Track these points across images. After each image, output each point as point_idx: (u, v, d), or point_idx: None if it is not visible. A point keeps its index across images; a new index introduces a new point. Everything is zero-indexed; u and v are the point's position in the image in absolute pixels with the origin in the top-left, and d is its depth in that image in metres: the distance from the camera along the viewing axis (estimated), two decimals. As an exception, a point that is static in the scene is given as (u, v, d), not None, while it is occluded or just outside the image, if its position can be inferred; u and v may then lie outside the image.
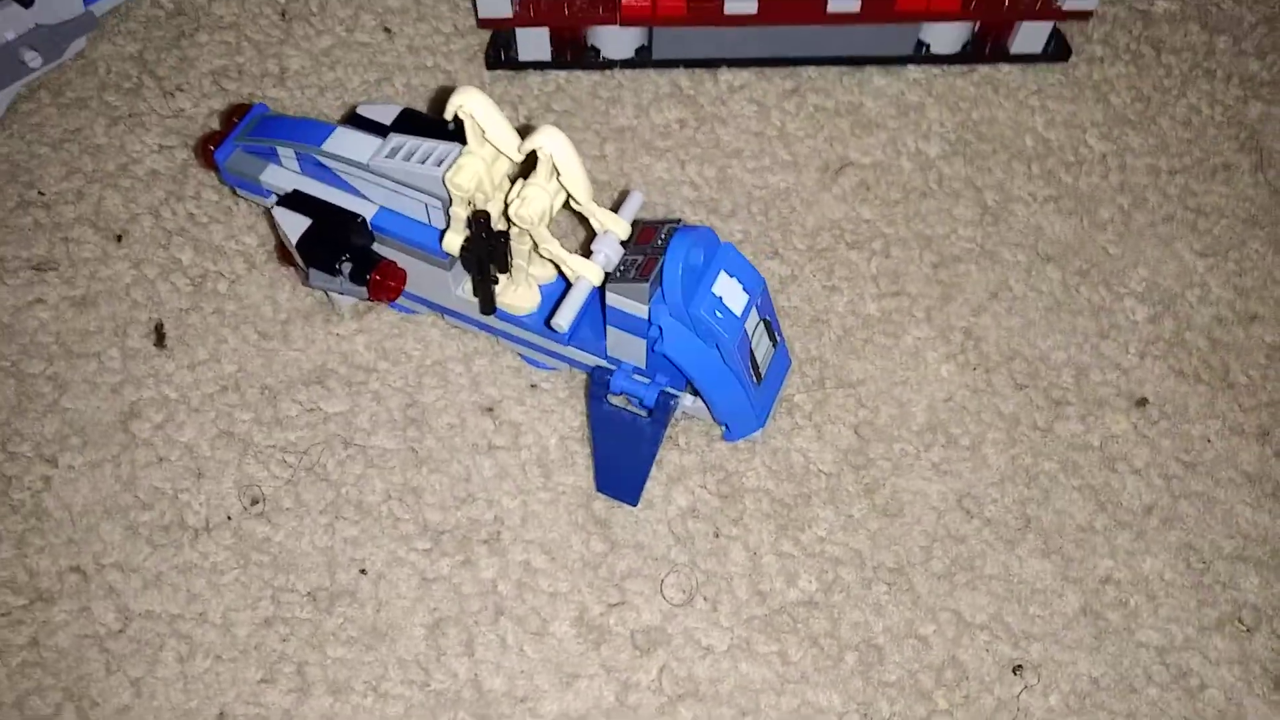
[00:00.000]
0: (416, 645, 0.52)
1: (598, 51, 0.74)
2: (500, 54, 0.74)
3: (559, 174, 0.49)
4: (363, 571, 0.54)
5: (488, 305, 0.57)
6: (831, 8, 0.71)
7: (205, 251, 0.65)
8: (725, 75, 0.74)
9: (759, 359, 0.55)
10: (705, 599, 0.54)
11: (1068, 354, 0.63)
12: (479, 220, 0.51)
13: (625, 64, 0.74)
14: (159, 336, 0.61)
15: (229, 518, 0.56)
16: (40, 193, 0.67)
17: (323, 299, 0.63)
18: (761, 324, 0.54)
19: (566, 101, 0.73)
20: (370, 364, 0.61)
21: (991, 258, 0.67)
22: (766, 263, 0.65)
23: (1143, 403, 0.61)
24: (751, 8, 0.70)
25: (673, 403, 0.55)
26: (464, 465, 0.58)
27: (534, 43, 0.73)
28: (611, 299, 0.52)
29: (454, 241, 0.54)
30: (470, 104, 0.49)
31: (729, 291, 0.52)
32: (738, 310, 0.52)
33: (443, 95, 0.72)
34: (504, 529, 0.56)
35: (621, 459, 0.56)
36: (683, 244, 0.50)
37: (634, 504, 0.56)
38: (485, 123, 0.49)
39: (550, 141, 0.48)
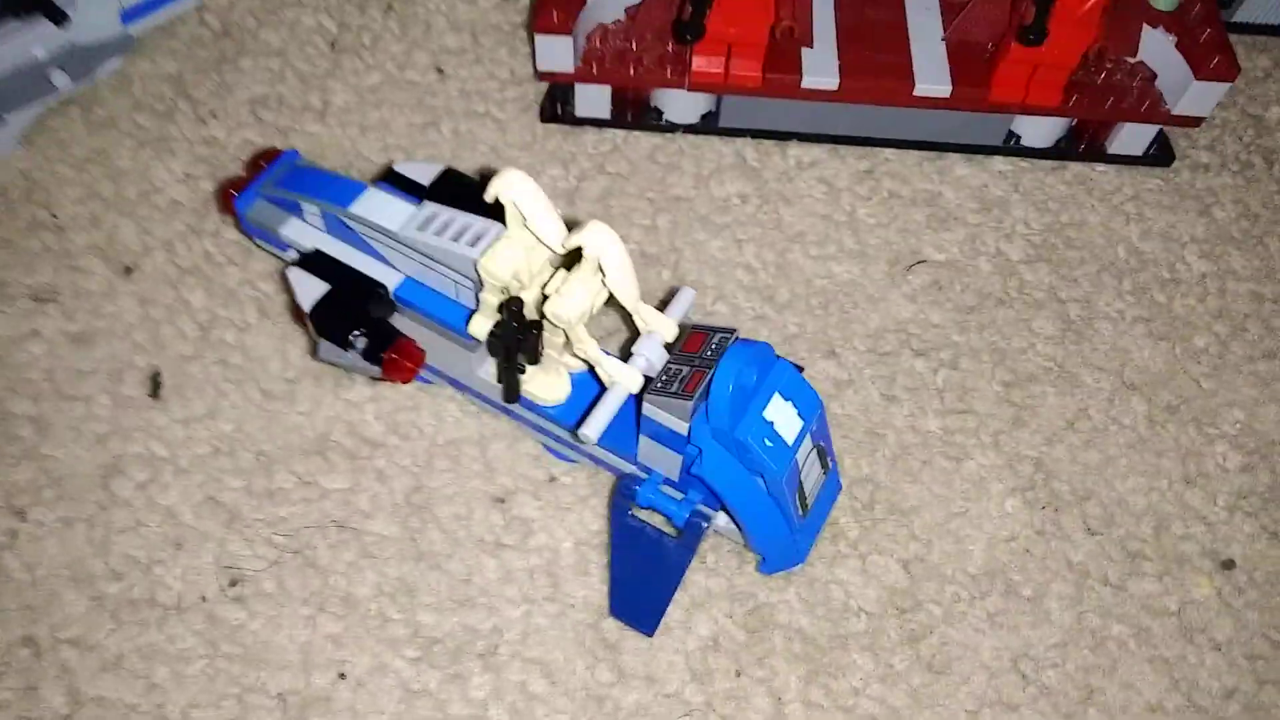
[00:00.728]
0: (394, 771, 0.47)
1: (660, 113, 0.69)
2: (557, 107, 0.69)
3: (604, 275, 0.44)
4: (341, 676, 0.49)
5: (511, 394, 0.51)
6: (919, 90, 0.65)
7: (217, 294, 0.60)
8: (795, 150, 0.69)
9: (808, 490, 0.49)
10: (718, 748, 0.48)
11: (1148, 500, 0.56)
12: (511, 309, 0.46)
13: (689, 129, 0.69)
14: (154, 386, 0.56)
15: (204, 598, 0.51)
16: (54, 215, 0.63)
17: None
18: (814, 450, 0.48)
19: (622, 164, 0.67)
20: (379, 438, 0.56)
21: (1071, 380, 0.60)
22: (821, 363, 0.60)
23: (1229, 565, 0.55)
24: (832, 83, 0.65)
25: (705, 525, 0.49)
26: (466, 564, 0.52)
27: (594, 99, 0.68)
28: (648, 410, 0.47)
29: (481, 327, 0.49)
30: (512, 191, 0.44)
31: (782, 417, 0.46)
32: (789, 438, 0.46)
33: (494, 145, 0.67)
34: (503, 642, 0.50)
35: (641, 582, 0.50)
36: (735, 363, 0.44)
37: (650, 634, 0.50)
38: (529, 212, 0.44)
39: (598, 241, 0.43)
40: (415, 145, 0.67)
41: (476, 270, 0.46)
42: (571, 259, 0.46)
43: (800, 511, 0.49)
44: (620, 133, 0.69)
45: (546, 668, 0.49)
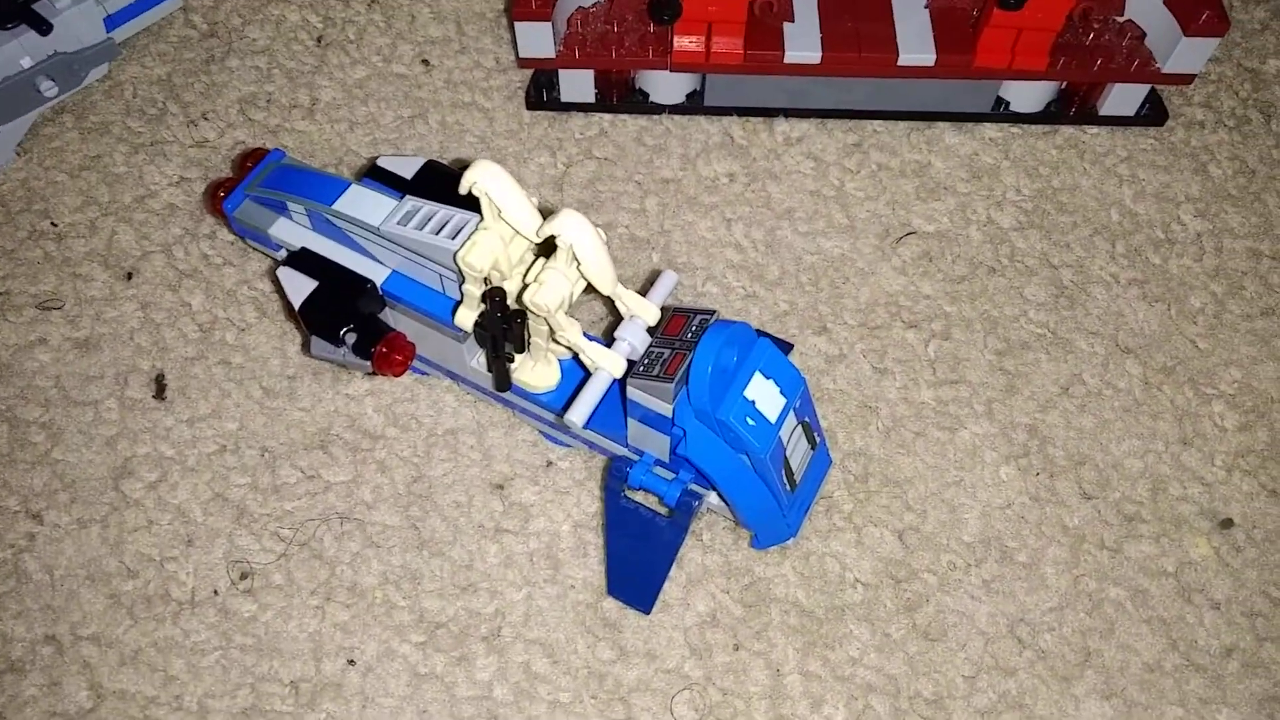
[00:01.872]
0: (401, 751, 0.48)
1: (645, 95, 0.69)
2: (542, 94, 0.69)
3: (578, 262, 0.45)
4: (351, 662, 0.50)
5: (502, 382, 0.52)
6: (903, 60, 0.65)
7: (216, 296, 0.61)
8: (782, 126, 0.69)
9: (794, 465, 0.49)
10: (719, 722, 0.49)
11: (1144, 462, 0.57)
12: (493, 299, 0.47)
13: (675, 109, 0.69)
14: (159, 388, 0.58)
15: (215, 592, 0.52)
16: (54, 223, 0.64)
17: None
18: (799, 427, 0.49)
19: (609, 148, 0.68)
20: (378, 430, 0.57)
21: (1064, 346, 0.60)
22: (813, 339, 0.60)
23: (1228, 524, 0.55)
24: (815, 57, 0.65)
25: (696, 503, 0.50)
26: (468, 550, 0.53)
27: (578, 84, 0.68)
28: (632, 393, 0.47)
29: (466, 318, 0.49)
30: (485, 181, 0.44)
31: (764, 395, 0.47)
32: (772, 416, 0.47)
33: (482, 134, 0.68)
34: (505, 624, 0.51)
35: (636, 561, 0.51)
36: (713, 344, 0.45)
37: (647, 612, 0.51)
38: (502, 202, 0.45)
39: (569, 229, 0.44)
40: (404, 138, 0.68)
41: (456, 262, 0.47)
42: (549, 247, 0.46)
43: (788, 487, 0.49)
44: (606, 116, 0.69)
45: (549, 647, 0.50)
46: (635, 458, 0.52)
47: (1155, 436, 0.57)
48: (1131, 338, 0.61)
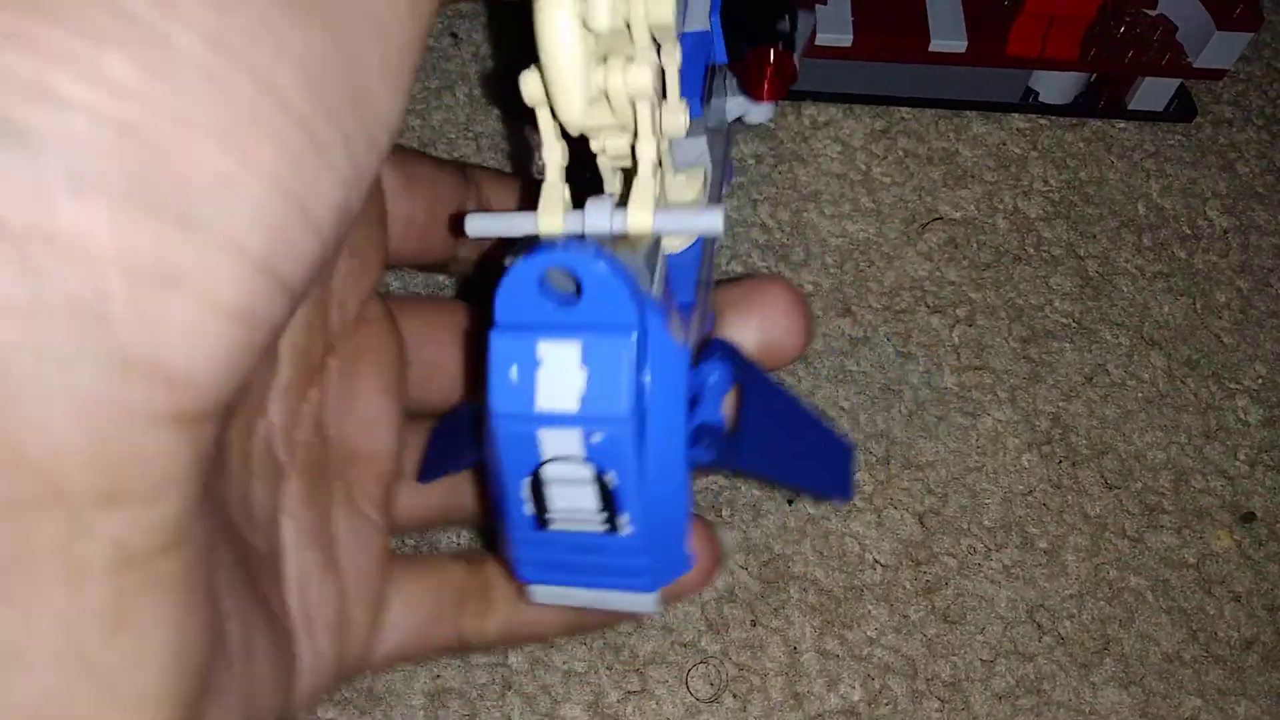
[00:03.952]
0: (414, 715, 0.48)
1: (675, 75, 0.69)
2: (571, 70, 0.69)
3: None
4: (364, 627, 0.50)
5: None
6: (934, 46, 0.65)
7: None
8: (810, 109, 0.69)
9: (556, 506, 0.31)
10: (735, 696, 0.49)
11: (1167, 454, 0.56)
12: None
13: (704, 90, 0.69)
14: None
15: (229, 553, 0.52)
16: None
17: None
18: (589, 469, 0.30)
19: (637, 126, 0.67)
20: (398, 396, 0.56)
21: (1089, 336, 0.60)
22: (837, 321, 0.60)
23: (1249, 518, 0.54)
24: (846, 40, 0.65)
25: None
26: (485, 518, 0.53)
27: (608, 60, 0.67)
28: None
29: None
30: None
31: (561, 367, 0.29)
32: (560, 405, 0.29)
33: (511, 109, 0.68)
34: (521, 594, 0.51)
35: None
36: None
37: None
38: None
39: None
40: (430, 109, 0.68)
41: None
42: None
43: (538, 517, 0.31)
44: (636, 95, 0.69)
45: (564, 619, 0.50)
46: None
47: (1179, 429, 0.57)
48: (1157, 330, 0.60)
